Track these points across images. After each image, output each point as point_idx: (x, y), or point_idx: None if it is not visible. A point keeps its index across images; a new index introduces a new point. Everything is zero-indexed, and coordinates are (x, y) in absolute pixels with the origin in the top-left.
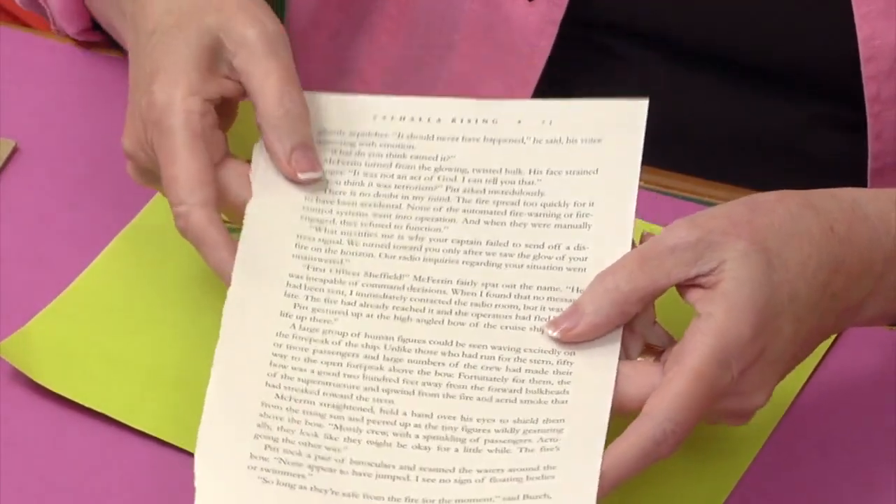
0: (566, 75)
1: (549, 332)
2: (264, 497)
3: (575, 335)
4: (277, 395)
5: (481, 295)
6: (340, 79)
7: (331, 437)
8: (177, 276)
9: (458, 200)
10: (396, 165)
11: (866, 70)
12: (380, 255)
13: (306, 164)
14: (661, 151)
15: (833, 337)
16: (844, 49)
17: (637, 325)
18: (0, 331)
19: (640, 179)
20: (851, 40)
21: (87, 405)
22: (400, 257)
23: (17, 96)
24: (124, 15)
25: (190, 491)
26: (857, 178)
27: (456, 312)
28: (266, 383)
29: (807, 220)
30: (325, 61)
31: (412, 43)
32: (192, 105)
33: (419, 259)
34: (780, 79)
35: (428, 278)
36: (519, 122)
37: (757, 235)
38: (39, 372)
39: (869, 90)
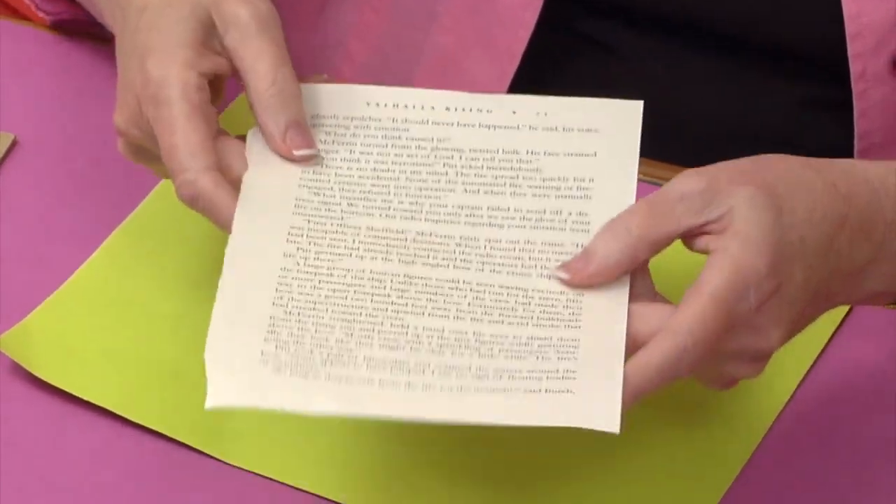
0: (553, 49)
1: (560, 274)
2: (278, 385)
3: (586, 276)
4: (286, 311)
5: (485, 248)
6: (325, 53)
7: (342, 342)
8: (175, 269)
9: (457, 174)
10: (392, 146)
11: (852, 48)
12: (380, 216)
13: (301, 141)
14: (658, 145)
15: (833, 327)
16: (832, 27)
17: (638, 289)
18: None
19: (638, 172)
20: (839, 17)
21: (85, 398)
22: (401, 217)
23: (17, 90)
24: None
25: (190, 486)
26: None
27: (461, 261)
28: (273, 303)
29: (810, 176)
30: (309, 35)
31: (397, 18)
32: (188, 78)
33: (420, 220)
34: (769, 59)
35: (430, 234)
36: (514, 112)
37: (765, 182)
38: (38, 365)
39: (855, 68)
